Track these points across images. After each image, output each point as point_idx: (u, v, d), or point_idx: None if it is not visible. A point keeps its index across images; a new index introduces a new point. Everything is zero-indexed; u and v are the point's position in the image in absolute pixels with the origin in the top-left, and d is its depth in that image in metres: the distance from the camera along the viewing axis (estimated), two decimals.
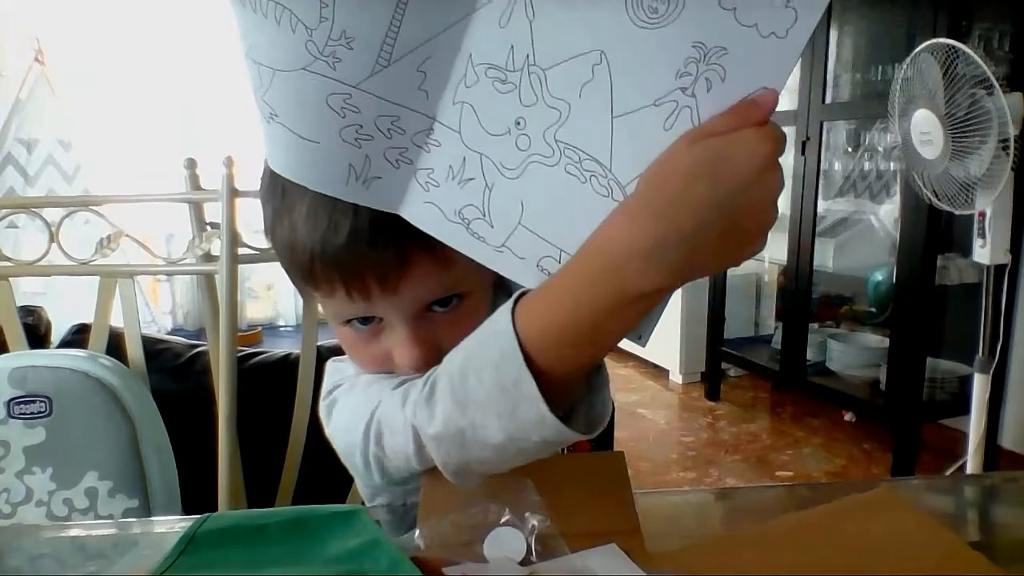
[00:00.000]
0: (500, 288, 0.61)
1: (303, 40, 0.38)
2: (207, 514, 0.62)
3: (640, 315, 0.42)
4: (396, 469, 0.58)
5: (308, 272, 0.54)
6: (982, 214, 1.73)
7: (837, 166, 2.82)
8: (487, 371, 0.45)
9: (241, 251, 1.24)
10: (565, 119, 0.40)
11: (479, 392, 0.46)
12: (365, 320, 0.57)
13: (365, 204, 0.48)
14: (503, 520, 0.56)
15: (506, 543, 0.55)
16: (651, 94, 0.37)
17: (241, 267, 1.25)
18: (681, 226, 0.38)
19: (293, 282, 0.59)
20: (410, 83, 0.41)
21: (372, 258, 0.52)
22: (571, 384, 0.46)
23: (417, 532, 0.57)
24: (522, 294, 0.46)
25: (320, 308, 0.64)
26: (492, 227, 0.45)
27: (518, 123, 0.41)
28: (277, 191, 0.54)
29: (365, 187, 0.46)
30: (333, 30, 0.37)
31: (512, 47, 0.39)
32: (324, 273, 0.53)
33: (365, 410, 0.58)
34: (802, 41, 0.35)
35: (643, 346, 0.46)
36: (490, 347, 0.46)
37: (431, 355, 0.55)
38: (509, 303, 0.46)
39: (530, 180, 0.42)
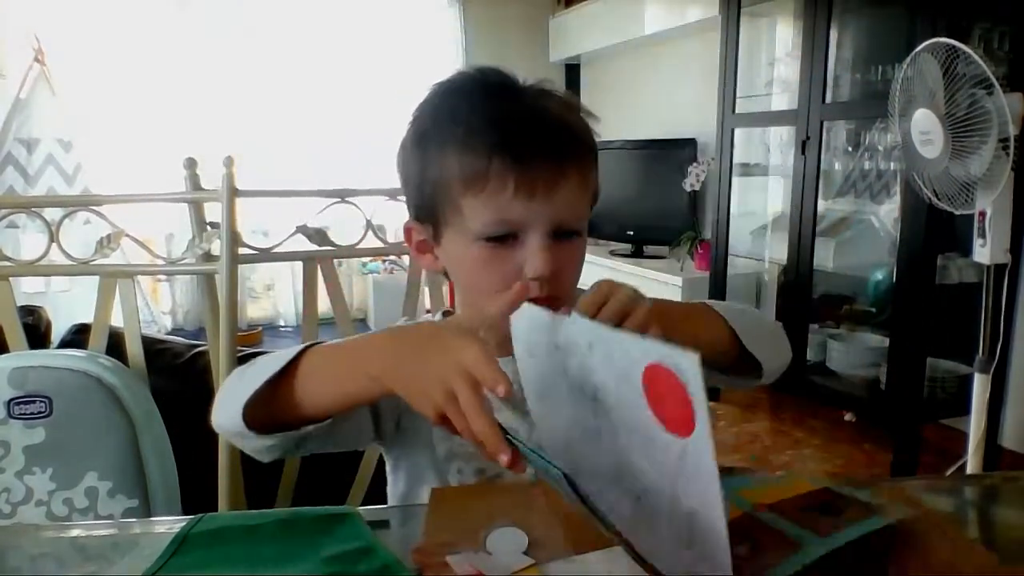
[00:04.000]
0: None
1: None
2: (200, 515, 0.62)
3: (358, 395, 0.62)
4: None
5: (484, 170, 0.63)
6: (982, 214, 1.73)
7: (837, 166, 2.82)
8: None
9: (241, 251, 1.24)
10: None
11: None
12: (502, 238, 0.65)
13: None
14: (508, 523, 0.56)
15: (509, 541, 0.55)
16: None
17: (241, 267, 1.25)
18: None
19: (438, 202, 0.67)
20: None
21: (543, 161, 0.63)
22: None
23: (421, 533, 0.57)
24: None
25: (439, 248, 0.72)
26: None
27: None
28: (443, 105, 0.67)
29: None
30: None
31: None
32: (500, 170, 0.63)
33: None
34: None
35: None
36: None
37: (554, 273, 0.65)
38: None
39: None
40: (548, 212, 0.64)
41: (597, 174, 0.70)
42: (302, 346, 0.64)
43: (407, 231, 0.74)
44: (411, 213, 0.73)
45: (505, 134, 0.63)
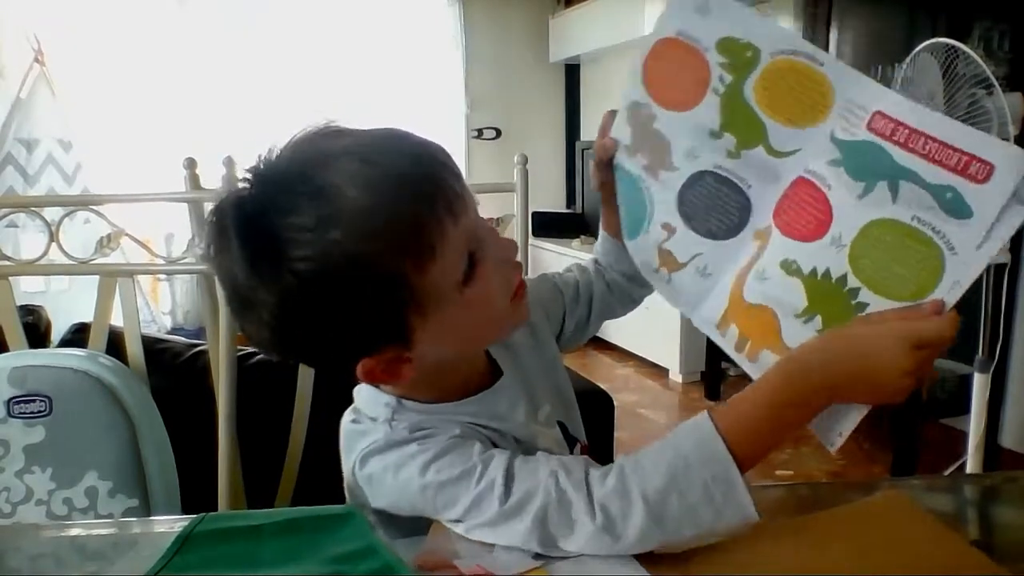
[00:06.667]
0: None
1: None
2: (203, 514, 0.62)
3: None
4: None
5: (421, 231, 0.57)
6: None
7: None
8: (694, 490, 0.54)
9: None
10: None
11: (679, 510, 0.54)
12: (470, 265, 0.60)
13: None
14: None
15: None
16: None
17: None
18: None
19: (394, 301, 0.57)
20: None
21: (447, 174, 0.60)
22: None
23: (428, 537, 0.57)
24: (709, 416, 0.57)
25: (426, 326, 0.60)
26: None
27: None
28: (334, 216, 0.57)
29: None
30: None
31: None
32: (433, 214, 0.57)
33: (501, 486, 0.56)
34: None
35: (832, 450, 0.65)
36: (700, 470, 0.55)
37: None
38: (702, 428, 0.57)
39: None
40: (473, 213, 0.62)
41: None
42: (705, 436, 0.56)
43: (367, 373, 0.60)
44: (358, 350, 0.59)
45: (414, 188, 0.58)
